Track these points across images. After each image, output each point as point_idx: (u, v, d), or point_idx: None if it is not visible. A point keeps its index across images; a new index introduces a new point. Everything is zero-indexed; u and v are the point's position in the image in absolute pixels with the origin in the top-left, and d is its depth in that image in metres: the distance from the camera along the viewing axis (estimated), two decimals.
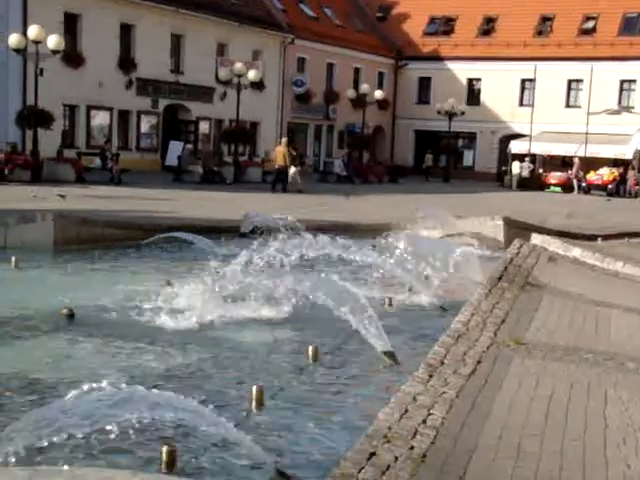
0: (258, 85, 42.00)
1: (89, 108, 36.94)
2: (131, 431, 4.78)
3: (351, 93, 47.93)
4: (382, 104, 51.43)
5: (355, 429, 5.75)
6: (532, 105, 50.68)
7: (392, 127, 56.30)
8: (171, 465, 5.05)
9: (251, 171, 36.16)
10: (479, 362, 6.75)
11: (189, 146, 36.89)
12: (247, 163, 37.67)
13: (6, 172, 26.86)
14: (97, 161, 31.95)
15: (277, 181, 31.06)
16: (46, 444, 4.14)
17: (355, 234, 16.25)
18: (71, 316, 9.04)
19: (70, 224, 14.90)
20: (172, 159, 35.85)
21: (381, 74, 54.94)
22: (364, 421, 5.72)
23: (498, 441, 5.04)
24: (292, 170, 32.49)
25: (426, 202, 22.63)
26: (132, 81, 38.65)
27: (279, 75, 46.50)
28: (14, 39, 28.27)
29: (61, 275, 12.32)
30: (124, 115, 38.67)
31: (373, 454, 4.61)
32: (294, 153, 34.46)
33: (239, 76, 35.98)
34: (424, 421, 5.26)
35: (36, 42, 27.84)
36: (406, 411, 5.40)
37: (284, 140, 33.50)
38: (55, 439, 4.13)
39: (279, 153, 31.54)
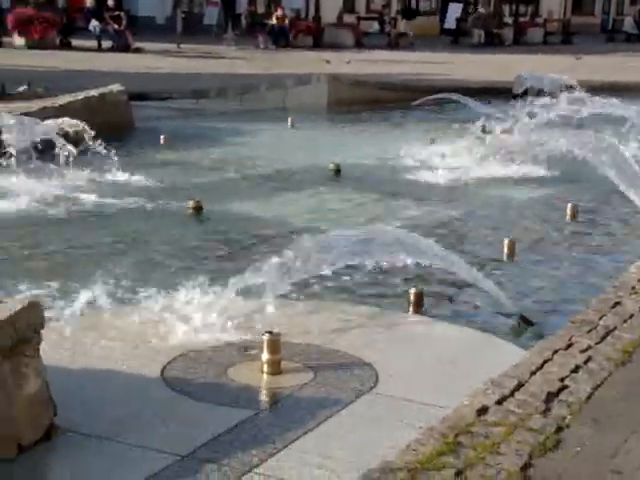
0: None
1: None
2: (384, 272, 5.11)
3: None
4: None
5: (606, 284, 5.67)
6: None
7: None
8: (418, 306, 5.30)
9: (532, 32, 34.87)
10: None
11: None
12: (527, 24, 36.30)
13: (290, 38, 27.89)
14: (375, 26, 32.22)
15: None
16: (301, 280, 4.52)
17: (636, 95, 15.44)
18: (337, 172, 9.48)
19: (343, 86, 15.37)
20: (451, 22, 35.31)
21: None
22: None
23: None
24: None
25: None
26: None
27: None
28: None
29: (331, 134, 12.87)
30: None
31: (617, 303, 4.57)
32: None
33: None
34: None
35: None
36: None
37: None
38: (308, 276, 4.49)
39: None
